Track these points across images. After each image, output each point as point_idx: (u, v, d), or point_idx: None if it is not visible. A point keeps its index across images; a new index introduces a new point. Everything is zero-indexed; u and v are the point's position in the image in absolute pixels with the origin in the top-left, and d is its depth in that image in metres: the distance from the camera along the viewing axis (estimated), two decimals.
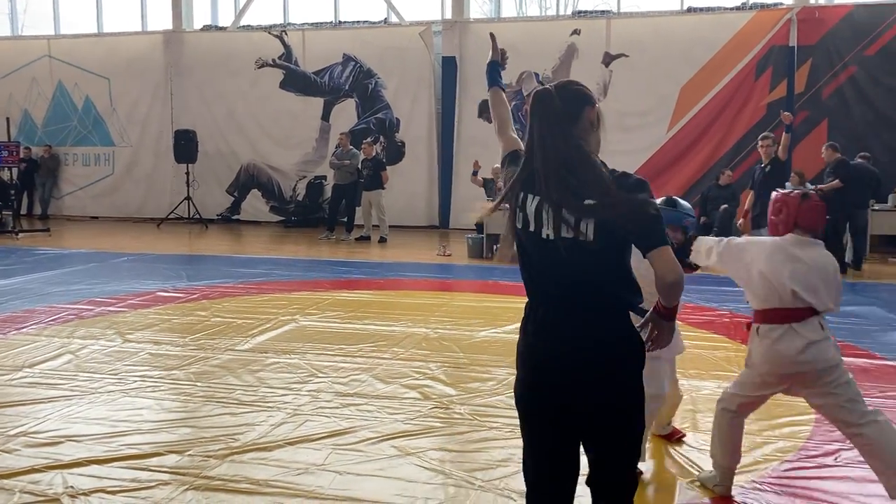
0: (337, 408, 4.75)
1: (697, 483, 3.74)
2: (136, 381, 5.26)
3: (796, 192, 3.46)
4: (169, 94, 16.61)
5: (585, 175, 2.25)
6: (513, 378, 2.16)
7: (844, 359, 3.51)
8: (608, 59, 14.37)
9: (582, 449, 2.42)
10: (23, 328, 6.71)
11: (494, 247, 12.05)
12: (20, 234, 13.71)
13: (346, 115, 15.91)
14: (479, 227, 12.01)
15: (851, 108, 13.18)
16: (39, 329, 6.68)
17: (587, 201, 2.23)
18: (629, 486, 2.44)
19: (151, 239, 13.76)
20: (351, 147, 13.79)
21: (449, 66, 15.26)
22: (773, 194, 3.49)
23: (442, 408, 4.78)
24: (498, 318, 7.18)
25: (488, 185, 12.47)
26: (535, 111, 2.33)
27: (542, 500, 2.43)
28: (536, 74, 14.72)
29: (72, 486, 3.64)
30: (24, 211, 16.74)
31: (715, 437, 3.63)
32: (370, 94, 15.82)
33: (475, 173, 12.53)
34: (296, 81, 16.13)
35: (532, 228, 2.31)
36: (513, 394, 2.47)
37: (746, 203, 9.92)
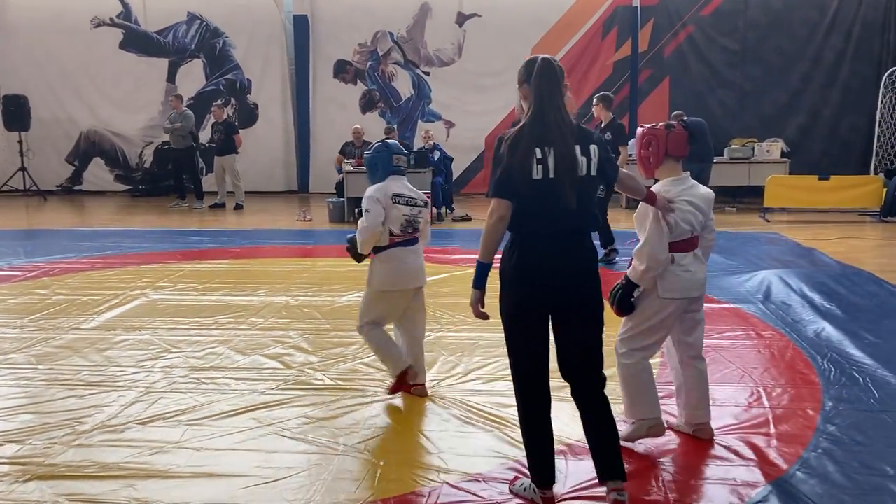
0: (192, 383, 4.59)
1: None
2: None
3: (661, 124, 3.67)
4: None
5: (575, 127, 2.92)
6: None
7: None
8: (461, 19, 14.41)
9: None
10: None
11: (356, 210, 11.94)
12: None
13: (193, 76, 15.21)
14: (340, 190, 11.85)
15: (690, 66, 13.94)
16: None
17: (591, 145, 2.91)
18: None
19: None
20: (184, 108, 13.27)
21: (301, 25, 14.83)
22: (639, 130, 3.68)
23: (303, 376, 4.72)
24: (360, 282, 7.05)
25: (346, 149, 12.31)
26: (543, 76, 2.88)
27: (539, 375, 3.06)
28: (391, 34, 14.59)
29: None
30: None
31: (626, 393, 3.63)
32: (218, 54, 15.16)
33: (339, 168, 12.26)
34: (137, 42, 15.22)
35: (552, 175, 2.84)
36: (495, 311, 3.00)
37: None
